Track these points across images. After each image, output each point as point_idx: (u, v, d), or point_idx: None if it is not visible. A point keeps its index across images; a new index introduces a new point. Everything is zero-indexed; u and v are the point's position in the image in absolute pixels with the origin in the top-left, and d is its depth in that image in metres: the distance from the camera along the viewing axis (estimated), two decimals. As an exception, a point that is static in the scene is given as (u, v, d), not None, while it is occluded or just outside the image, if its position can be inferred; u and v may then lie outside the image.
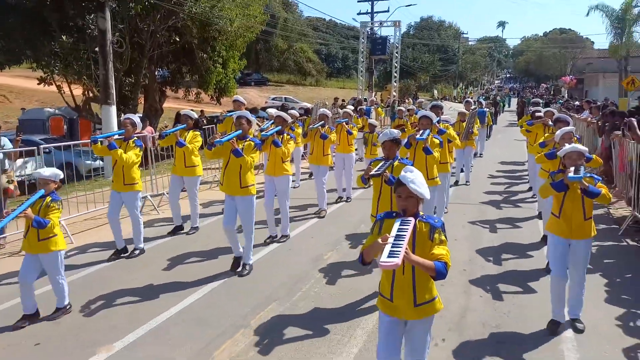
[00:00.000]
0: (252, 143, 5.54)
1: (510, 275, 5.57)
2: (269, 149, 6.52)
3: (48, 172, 4.50)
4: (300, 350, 4.00)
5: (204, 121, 13.67)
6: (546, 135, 7.33)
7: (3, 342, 4.16)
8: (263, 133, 6.60)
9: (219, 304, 4.87)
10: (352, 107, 14.32)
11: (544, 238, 6.72)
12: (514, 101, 44.82)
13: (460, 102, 18.79)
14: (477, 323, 4.42)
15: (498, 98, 34.70)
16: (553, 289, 4.29)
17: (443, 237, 2.81)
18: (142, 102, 18.50)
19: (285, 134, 6.60)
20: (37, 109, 20.35)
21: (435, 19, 70.08)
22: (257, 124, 9.42)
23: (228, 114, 9.71)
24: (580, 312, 4.32)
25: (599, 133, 10.44)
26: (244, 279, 5.51)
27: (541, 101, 15.59)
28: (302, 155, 11.62)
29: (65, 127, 16.78)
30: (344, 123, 9.15)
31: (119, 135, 6.26)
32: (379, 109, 21.72)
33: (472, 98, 18.03)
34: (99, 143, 5.98)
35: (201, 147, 7.18)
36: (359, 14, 32.44)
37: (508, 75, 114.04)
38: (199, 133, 7.28)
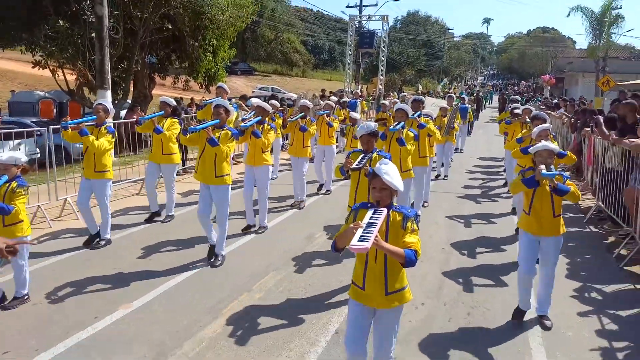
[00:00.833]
0: (229, 132, 5.48)
1: (482, 268, 5.64)
2: (249, 139, 6.47)
3: (5, 156, 4.35)
4: (272, 339, 4.00)
5: (184, 109, 13.62)
6: (523, 132, 7.46)
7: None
8: (243, 124, 6.55)
9: (192, 293, 4.83)
10: (335, 99, 14.30)
11: (517, 231, 6.88)
12: (497, 98, 45.28)
13: (443, 98, 18.91)
14: (447, 323, 4.47)
15: (481, 94, 35.01)
16: (520, 282, 4.39)
17: (415, 227, 2.87)
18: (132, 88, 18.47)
19: (265, 124, 6.55)
20: (27, 91, 20.39)
21: (421, 14, 70.30)
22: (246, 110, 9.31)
23: (208, 101, 9.60)
24: (549, 310, 4.37)
25: (572, 129, 10.99)
26: (218, 268, 5.47)
27: (519, 99, 15.80)
28: (282, 147, 11.58)
29: (54, 110, 16.81)
30: (325, 115, 9.13)
31: (91, 122, 6.04)
32: (364, 102, 21.73)
33: (454, 93, 18.17)
34: (69, 129, 5.76)
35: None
36: (347, 6, 32.33)
37: (491, 72, 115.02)
38: (177, 120, 7.19)
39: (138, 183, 9.15)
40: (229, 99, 9.45)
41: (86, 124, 5.90)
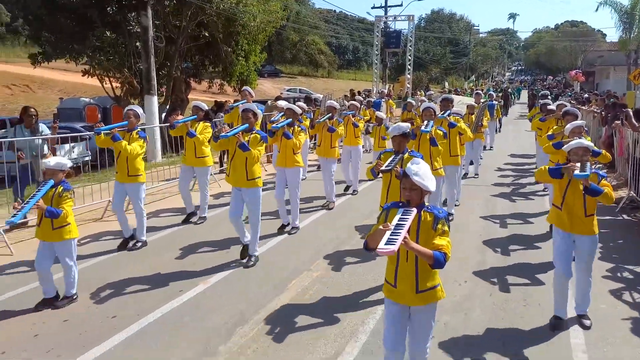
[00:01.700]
0: (258, 136, 5.54)
1: (518, 267, 5.55)
2: (280, 141, 6.54)
3: (53, 162, 4.53)
4: (309, 336, 4.04)
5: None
6: (554, 127, 7.29)
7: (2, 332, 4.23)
8: (273, 125, 6.62)
9: (228, 293, 4.91)
10: (360, 99, 14.28)
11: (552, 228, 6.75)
12: (525, 93, 44.42)
13: (471, 95, 18.71)
14: (481, 320, 4.43)
15: (509, 90, 34.42)
16: (556, 284, 4.23)
17: (446, 228, 2.88)
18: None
19: (296, 126, 6.62)
20: (73, 98, 21.52)
21: (446, 11, 69.57)
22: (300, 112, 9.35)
23: (235, 104, 9.75)
24: (588, 308, 4.26)
25: (603, 123, 11.25)
26: (253, 268, 5.54)
27: (549, 94, 15.48)
28: (309, 148, 11.63)
29: (99, 115, 17.70)
30: (351, 115, 9.14)
31: (122, 127, 6.16)
32: (390, 101, 21.65)
33: (482, 90, 17.90)
34: (102, 135, 5.88)
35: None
36: (373, 7, 32.37)
37: (519, 68, 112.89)
38: (210, 124, 7.31)
39: (171, 183, 9.34)
40: (262, 102, 9.61)
41: (118, 129, 6.02)
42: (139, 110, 6.27)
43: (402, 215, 2.76)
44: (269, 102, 11.26)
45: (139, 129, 6.17)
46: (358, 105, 10.83)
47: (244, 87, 9.32)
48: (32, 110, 7.45)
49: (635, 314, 4.40)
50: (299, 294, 4.87)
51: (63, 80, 33.45)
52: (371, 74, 30.81)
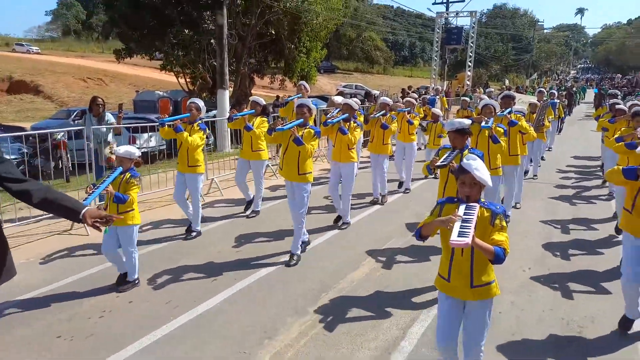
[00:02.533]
0: (312, 131, 5.57)
1: (581, 274, 5.30)
2: (335, 135, 6.57)
3: (122, 150, 4.76)
4: (361, 330, 4.07)
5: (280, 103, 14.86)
6: (623, 129, 6.86)
7: (65, 314, 4.50)
8: (328, 120, 6.65)
9: (279, 285, 4.99)
10: (416, 96, 14.07)
11: (617, 231, 6.39)
12: (590, 92, 42.10)
13: (533, 94, 17.96)
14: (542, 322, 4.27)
15: (574, 89, 32.76)
16: (624, 291, 4.01)
17: (504, 224, 2.85)
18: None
19: (352, 122, 6.63)
20: (149, 91, 22.95)
21: (509, 6, 67.10)
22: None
23: (290, 98, 9.86)
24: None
25: None
26: (303, 262, 5.59)
27: (619, 93, 14.56)
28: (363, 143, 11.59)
29: (171, 107, 18.79)
30: (406, 112, 9.02)
31: (184, 119, 6.37)
32: (444, 98, 21.21)
33: (545, 88, 17.16)
34: (166, 126, 6.16)
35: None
36: (434, 3, 31.90)
37: (585, 65, 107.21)
38: (266, 119, 7.45)
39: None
40: (321, 97, 9.68)
41: (180, 121, 6.25)
42: (201, 103, 6.47)
43: (466, 209, 2.76)
44: (332, 97, 11.28)
45: (200, 121, 6.37)
46: (414, 102, 10.64)
47: (300, 82, 9.40)
48: (100, 100, 7.86)
49: None
50: (352, 288, 4.89)
51: (133, 74, 35.59)
52: (427, 70, 30.33)
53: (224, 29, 13.46)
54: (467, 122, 4.71)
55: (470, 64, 28.28)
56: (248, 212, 7.54)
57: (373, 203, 8.14)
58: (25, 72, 33.77)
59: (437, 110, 11.20)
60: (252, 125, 7.14)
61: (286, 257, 5.66)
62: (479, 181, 2.83)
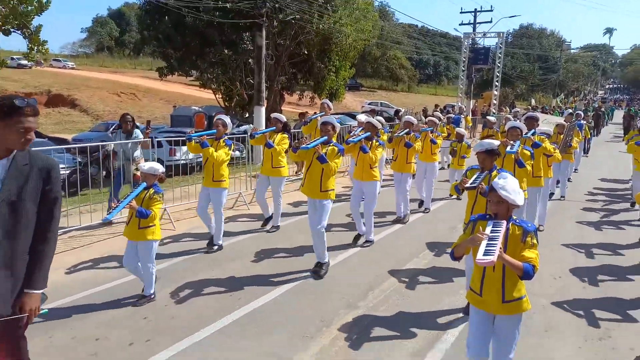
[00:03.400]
0: (336, 148, 5.59)
1: (608, 301, 5.14)
2: (357, 154, 6.57)
3: (147, 166, 4.86)
4: (386, 347, 4.06)
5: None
6: None
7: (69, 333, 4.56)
8: (350, 138, 6.67)
9: (303, 301, 4.98)
10: (439, 115, 13.98)
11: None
12: (618, 113, 41.24)
13: (561, 114, 17.72)
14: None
15: (602, 110, 32.15)
16: None
17: (535, 241, 2.94)
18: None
19: (374, 141, 6.63)
20: (185, 107, 24.10)
21: (535, 26, 66.66)
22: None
23: (313, 117, 9.93)
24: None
25: None
26: (325, 279, 5.57)
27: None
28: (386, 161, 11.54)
29: (205, 122, 19.44)
30: (429, 132, 8.98)
31: (210, 135, 6.48)
32: (468, 117, 21.04)
33: (571, 108, 16.90)
34: (193, 141, 6.25)
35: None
36: (461, 24, 31.84)
37: (614, 86, 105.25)
38: (287, 136, 7.51)
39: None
40: (349, 114, 9.72)
41: (207, 137, 6.37)
42: (227, 119, 6.60)
43: (493, 227, 2.86)
44: (359, 116, 11.32)
45: (225, 137, 6.47)
46: (436, 121, 10.60)
47: (323, 100, 9.47)
48: (129, 116, 8.04)
49: None
50: (374, 307, 4.86)
51: (164, 90, 36.56)
52: (451, 89, 30.27)
53: (262, 50, 14.16)
54: (497, 142, 4.68)
55: (497, 83, 28.17)
56: (268, 227, 7.56)
57: (396, 222, 8.08)
58: (62, 87, 35.30)
59: (461, 129, 11.11)
60: (273, 143, 7.21)
61: (306, 274, 5.64)
62: (504, 199, 2.89)
